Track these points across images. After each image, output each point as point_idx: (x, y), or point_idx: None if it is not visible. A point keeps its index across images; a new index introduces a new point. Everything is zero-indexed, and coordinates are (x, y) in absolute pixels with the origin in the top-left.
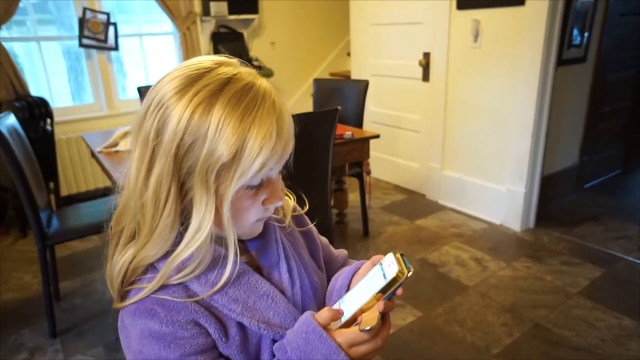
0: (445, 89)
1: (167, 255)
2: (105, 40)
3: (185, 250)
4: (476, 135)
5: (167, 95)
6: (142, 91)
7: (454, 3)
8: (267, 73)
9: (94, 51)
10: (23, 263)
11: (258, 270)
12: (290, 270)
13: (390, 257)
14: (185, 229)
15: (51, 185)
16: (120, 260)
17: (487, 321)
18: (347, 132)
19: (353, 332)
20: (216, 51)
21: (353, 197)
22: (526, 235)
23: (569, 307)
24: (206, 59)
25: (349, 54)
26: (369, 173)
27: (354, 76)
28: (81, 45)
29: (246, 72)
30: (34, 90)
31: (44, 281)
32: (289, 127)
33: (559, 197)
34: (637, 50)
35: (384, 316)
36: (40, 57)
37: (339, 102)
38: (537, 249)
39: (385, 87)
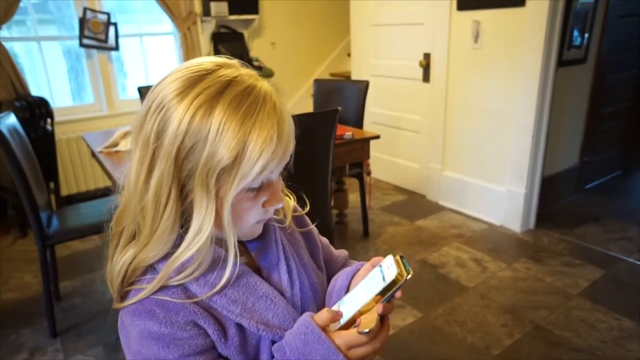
0: (445, 90)
1: (167, 256)
2: (106, 40)
3: (185, 252)
4: (476, 136)
5: (168, 97)
6: (143, 91)
7: (454, 4)
8: (267, 73)
9: (94, 51)
10: (23, 263)
11: (257, 271)
12: (289, 271)
13: (389, 259)
14: (186, 231)
15: (51, 185)
16: (120, 260)
17: (487, 322)
18: (348, 132)
19: (351, 334)
20: (216, 51)
21: (353, 197)
22: (526, 236)
23: (569, 308)
24: (207, 61)
25: (349, 55)
26: (369, 174)
27: (354, 77)
28: (81, 45)
29: (247, 74)
30: (35, 90)
31: (44, 281)
32: (290, 129)
33: (559, 198)
34: (638, 51)
35: (382, 318)
36: (41, 57)
37: (339, 103)
38: (538, 249)
39: (386, 87)
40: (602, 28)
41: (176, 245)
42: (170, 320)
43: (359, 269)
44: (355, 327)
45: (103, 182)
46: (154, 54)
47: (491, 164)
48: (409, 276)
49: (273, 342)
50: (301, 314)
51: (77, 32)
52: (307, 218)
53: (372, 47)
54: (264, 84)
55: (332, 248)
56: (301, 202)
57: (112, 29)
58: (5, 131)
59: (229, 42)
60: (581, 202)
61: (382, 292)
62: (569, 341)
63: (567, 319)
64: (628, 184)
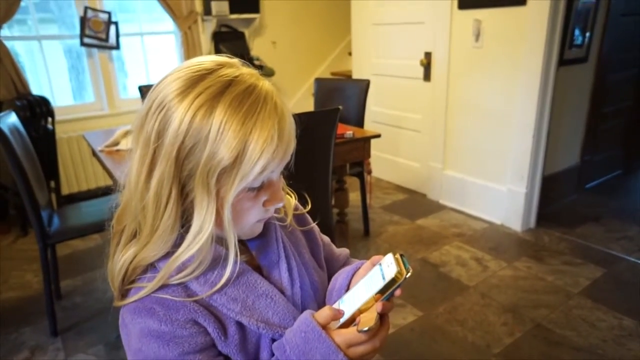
0: (446, 89)
1: (167, 255)
2: (107, 39)
3: (186, 251)
4: (477, 135)
5: (169, 96)
6: (144, 90)
7: (455, 3)
8: (268, 72)
9: (95, 50)
10: (24, 261)
11: (258, 269)
12: (290, 270)
13: (389, 257)
14: (186, 231)
15: (52, 184)
16: (121, 259)
17: (488, 321)
18: (348, 131)
19: (351, 332)
20: (217, 50)
21: (354, 196)
22: (527, 235)
23: (569, 307)
24: (208, 60)
25: (350, 54)
26: (369, 173)
27: (355, 76)
28: (82, 44)
29: (248, 74)
30: (35, 89)
31: (45, 280)
32: (291, 129)
33: (560, 197)
34: (639, 50)
35: (382, 317)
36: (42, 56)
37: (340, 102)
38: (538, 249)
39: (387, 86)
40: (603, 27)
41: (177, 244)
42: (170, 318)
43: (359, 268)
44: (354, 325)
45: (104, 181)
46: (154, 53)
47: (492, 163)
48: (409, 274)
49: (273, 340)
50: (302, 312)
51: (78, 31)
52: (308, 216)
53: (373, 46)
54: (265, 84)
55: (334, 247)
56: (302, 201)
57: (113, 28)
58: (6, 130)
59: (229, 41)
60: (582, 201)
61: (382, 291)
62: (570, 340)
63: (568, 318)
64: (629, 183)
